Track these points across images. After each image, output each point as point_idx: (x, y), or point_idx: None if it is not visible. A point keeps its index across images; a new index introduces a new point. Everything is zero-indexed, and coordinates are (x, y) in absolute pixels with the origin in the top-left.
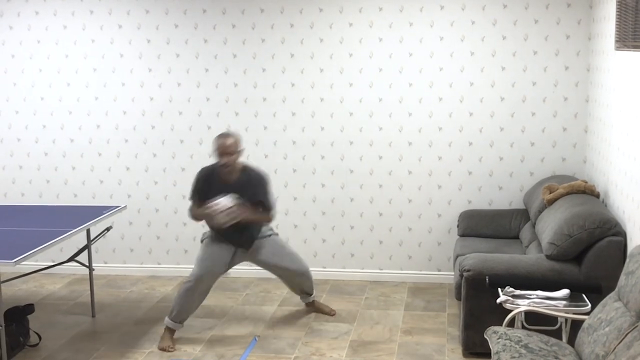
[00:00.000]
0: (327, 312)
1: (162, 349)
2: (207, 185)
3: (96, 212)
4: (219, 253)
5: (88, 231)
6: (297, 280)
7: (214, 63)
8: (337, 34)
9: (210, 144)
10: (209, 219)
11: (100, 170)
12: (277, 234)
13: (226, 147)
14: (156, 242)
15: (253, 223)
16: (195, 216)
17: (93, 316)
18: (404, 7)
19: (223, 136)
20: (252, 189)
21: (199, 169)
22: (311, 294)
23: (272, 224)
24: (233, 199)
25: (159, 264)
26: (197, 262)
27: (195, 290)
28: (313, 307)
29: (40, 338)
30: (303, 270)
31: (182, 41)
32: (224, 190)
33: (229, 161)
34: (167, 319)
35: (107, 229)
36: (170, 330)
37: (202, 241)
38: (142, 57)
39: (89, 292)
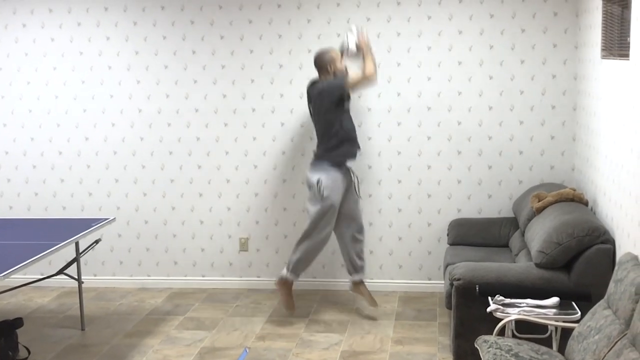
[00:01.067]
0: (368, 301)
1: (288, 309)
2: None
3: (85, 224)
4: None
5: (77, 244)
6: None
7: (202, 74)
8: (326, 44)
9: (198, 155)
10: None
11: (88, 182)
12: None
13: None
14: (146, 254)
15: None
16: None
17: (82, 329)
18: (392, 17)
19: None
20: None
21: (187, 180)
22: (358, 271)
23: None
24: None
25: (149, 276)
26: (324, 225)
27: (320, 249)
28: (358, 291)
29: (29, 352)
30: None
31: (170, 52)
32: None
33: None
34: (288, 272)
35: (96, 242)
36: (288, 282)
37: (318, 182)
38: (131, 69)
39: (78, 305)
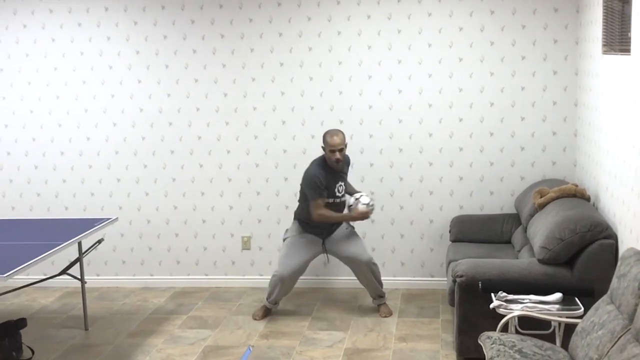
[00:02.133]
0: (380, 312)
1: (253, 317)
2: (327, 180)
3: (87, 224)
4: (303, 249)
5: (79, 244)
6: (362, 272)
7: (203, 73)
8: (326, 42)
9: (200, 154)
10: (347, 221)
11: (90, 182)
12: (353, 227)
13: (338, 144)
14: (148, 254)
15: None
16: (331, 218)
17: (86, 329)
18: (392, 14)
19: (333, 133)
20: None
21: (189, 179)
22: (382, 296)
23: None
24: (365, 198)
25: (152, 275)
26: (281, 259)
27: (282, 284)
28: (380, 309)
29: (33, 352)
30: (363, 259)
31: (171, 52)
32: (340, 179)
33: (341, 156)
34: (265, 300)
35: (99, 241)
36: (267, 309)
37: (284, 240)
38: (132, 69)
39: (82, 305)
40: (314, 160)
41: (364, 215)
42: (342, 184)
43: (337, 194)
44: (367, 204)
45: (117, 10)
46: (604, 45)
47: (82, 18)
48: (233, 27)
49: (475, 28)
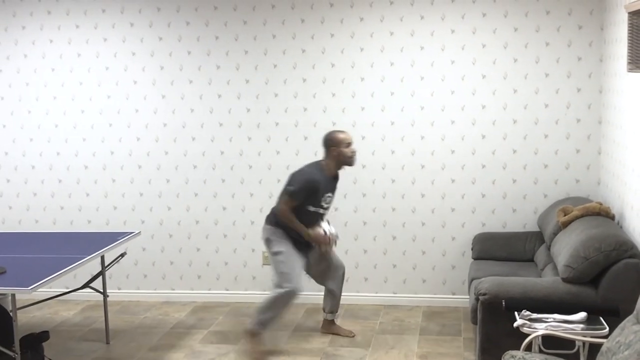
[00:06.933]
0: (345, 334)
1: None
2: (322, 187)
3: (110, 238)
4: (299, 262)
5: (102, 257)
6: (340, 280)
7: (226, 89)
8: (349, 58)
9: (222, 169)
10: (302, 233)
11: (114, 196)
12: None
13: (351, 137)
14: (170, 268)
15: None
16: (292, 222)
17: (107, 343)
18: (415, 31)
19: (339, 131)
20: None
21: (211, 194)
22: (334, 312)
23: None
24: (331, 227)
25: (173, 289)
26: (291, 273)
27: (289, 302)
28: (329, 328)
29: None
30: (342, 264)
31: (194, 67)
32: (331, 190)
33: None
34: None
35: (121, 255)
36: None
37: (279, 252)
38: (156, 84)
39: (103, 318)
40: (311, 164)
41: (321, 240)
42: (332, 195)
43: (323, 204)
44: (332, 233)
45: (142, 26)
46: (629, 63)
47: (107, 33)
48: (256, 42)
49: (499, 45)
